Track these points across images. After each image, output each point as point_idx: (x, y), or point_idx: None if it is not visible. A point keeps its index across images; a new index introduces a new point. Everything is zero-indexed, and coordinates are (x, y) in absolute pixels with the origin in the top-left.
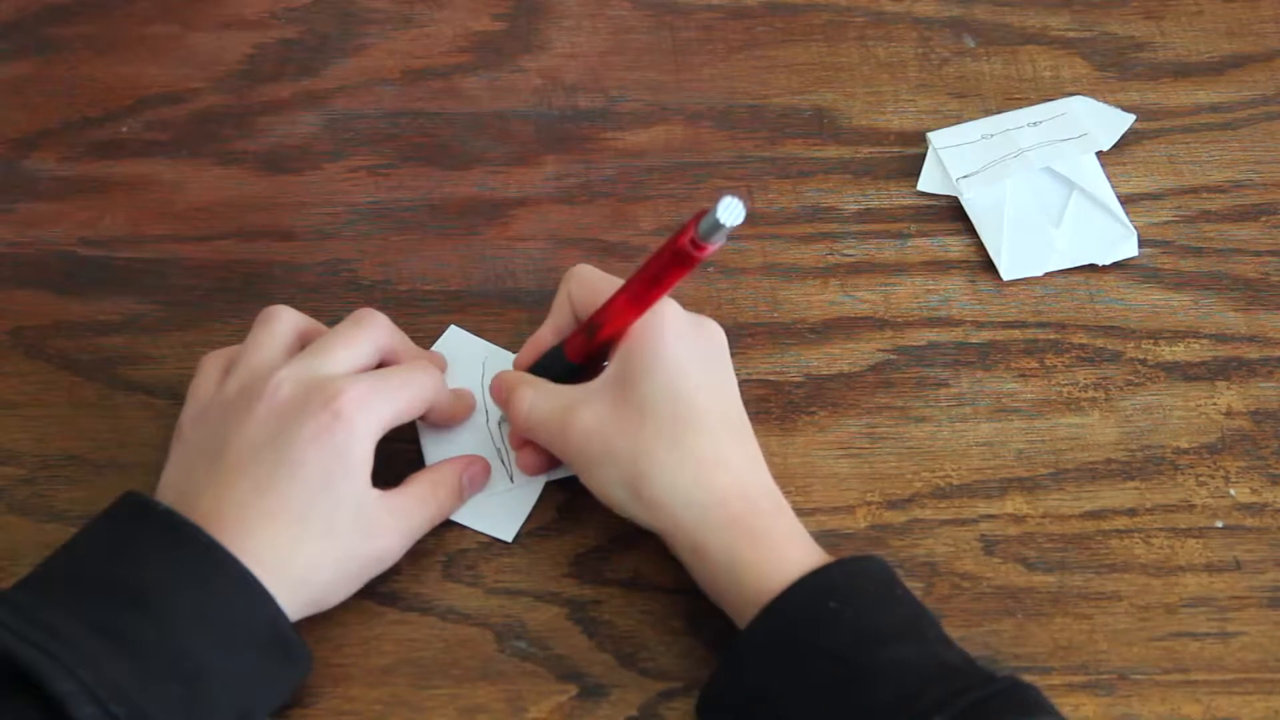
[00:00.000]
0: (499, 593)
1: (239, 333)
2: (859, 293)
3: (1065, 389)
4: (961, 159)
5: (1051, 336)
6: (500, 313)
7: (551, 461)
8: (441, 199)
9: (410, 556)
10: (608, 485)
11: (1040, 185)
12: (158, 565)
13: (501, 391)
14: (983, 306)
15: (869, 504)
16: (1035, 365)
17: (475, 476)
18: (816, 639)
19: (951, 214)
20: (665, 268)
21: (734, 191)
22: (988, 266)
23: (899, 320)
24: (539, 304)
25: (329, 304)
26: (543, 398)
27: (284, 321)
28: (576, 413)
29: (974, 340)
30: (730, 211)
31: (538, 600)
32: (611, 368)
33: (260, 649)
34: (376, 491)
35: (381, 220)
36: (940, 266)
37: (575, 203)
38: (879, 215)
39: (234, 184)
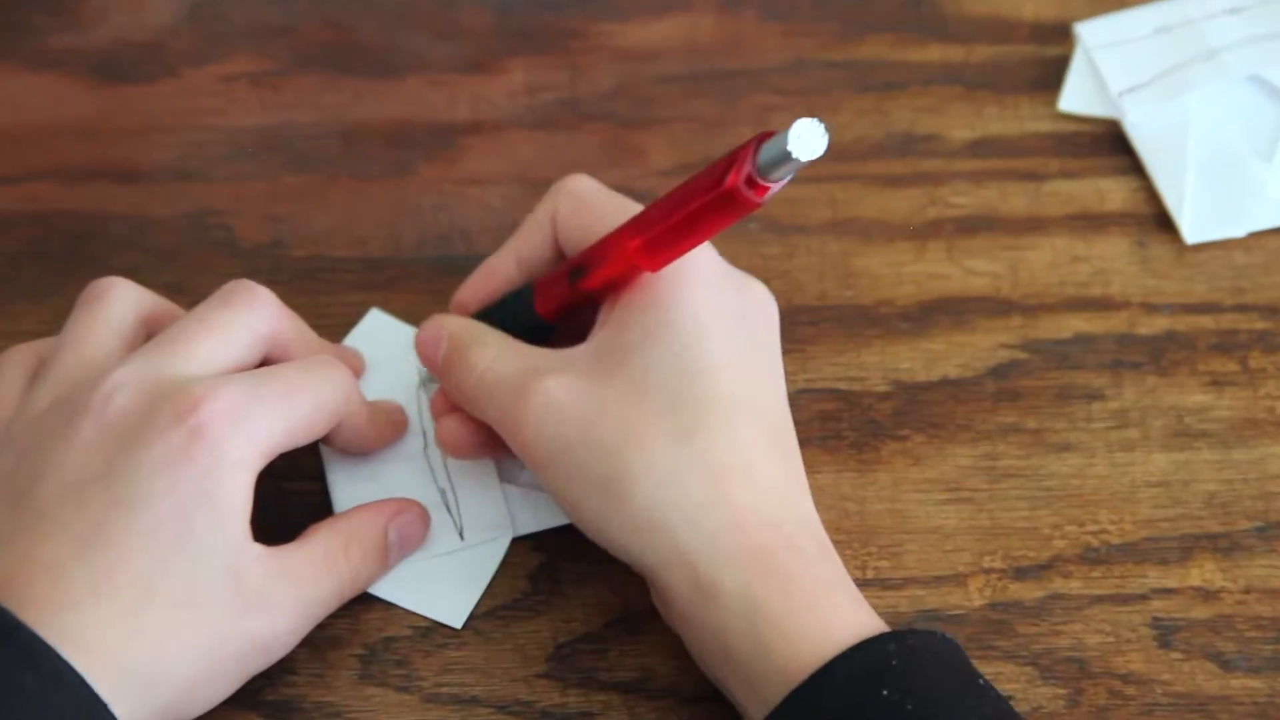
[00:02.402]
0: (442, 701)
1: (60, 317)
2: (973, 261)
3: (1279, 404)
4: (1126, 64)
5: (1259, 326)
6: (443, 290)
7: (485, 444)
8: (359, 123)
9: (312, 647)
10: (575, 488)
11: (1244, 103)
12: None
13: (436, 342)
14: (1156, 282)
15: (987, 572)
16: (1235, 369)
17: (408, 530)
18: None
19: (1110, 146)
20: (702, 211)
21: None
22: (1163, 223)
23: (1032, 302)
24: None
25: (192, 277)
26: (503, 355)
27: (120, 300)
28: (542, 379)
29: (1143, 332)
30: (806, 139)
31: (499, 713)
32: (601, 330)
33: None
34: (260, 548)
35: (271, 154)
36: (1093, 223)
37: (555, 128)
38: (1003, 147)
39: (52, 99)
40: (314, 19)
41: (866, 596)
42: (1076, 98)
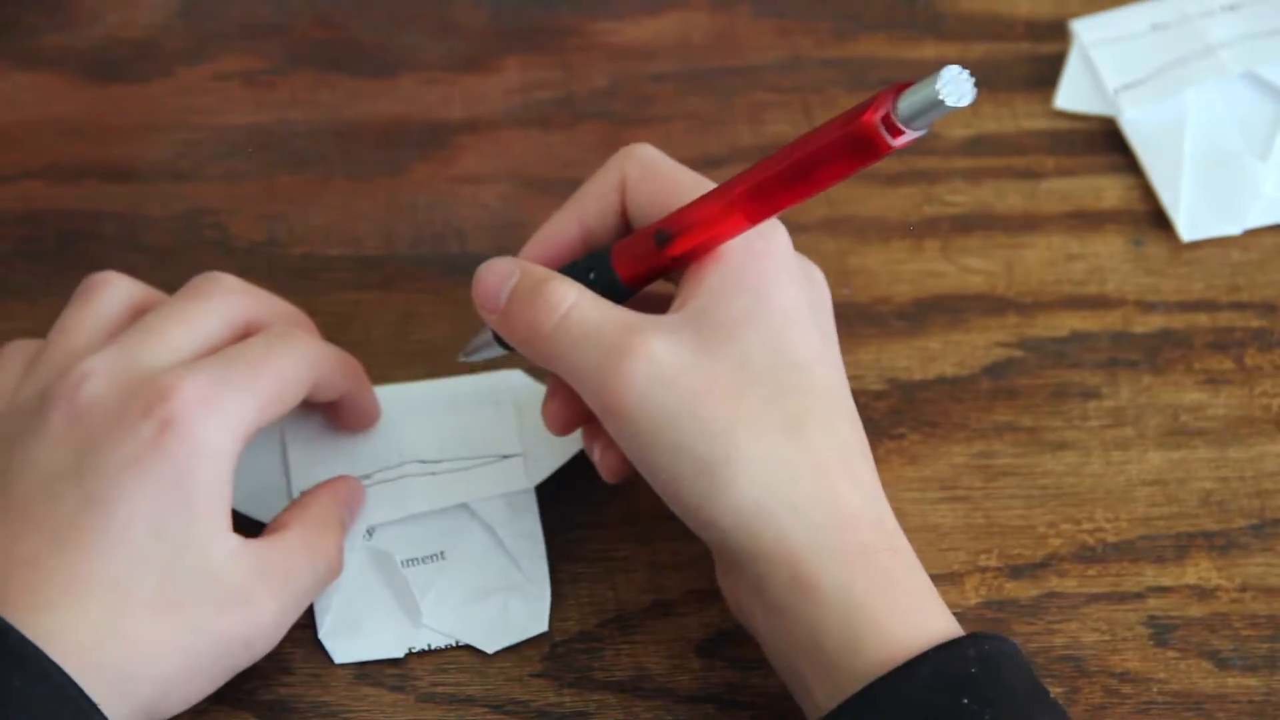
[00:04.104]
0: (438, 701)
1: (53, 317)
2: (969, 259)
3: (1275, 401)
4: (1122, 61)
5: (1255, 324)
6: (439, 289)
7: (588, 417)
8: (353, 121)
9: (308, 647)
10: (674, 464)
11: (1240, 100)
12: None
13: (504, 276)
14: (1152, 280)
15: (983, 570)
16: (1231, 366)
17: (352, 501)
18: None
19: (1106, 143)
20: (826, 155)
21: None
22: (1159, 220)
23: (1027, 300)
24: None
25: (186, 276)
26: (593, 301)
27: (111, 293)
28: (649, 339)
29: (1139, 330)
30: (956, 86)
31: (494, 713)
32: (690, 300)
33: None
34: (237, 541)
35: (264, 153)
36: (1089, 220)
37: (550, 127)
38: (998, 145)
39: (44, 98)
40: (307, 17)
41: None
42: (1072, 95)
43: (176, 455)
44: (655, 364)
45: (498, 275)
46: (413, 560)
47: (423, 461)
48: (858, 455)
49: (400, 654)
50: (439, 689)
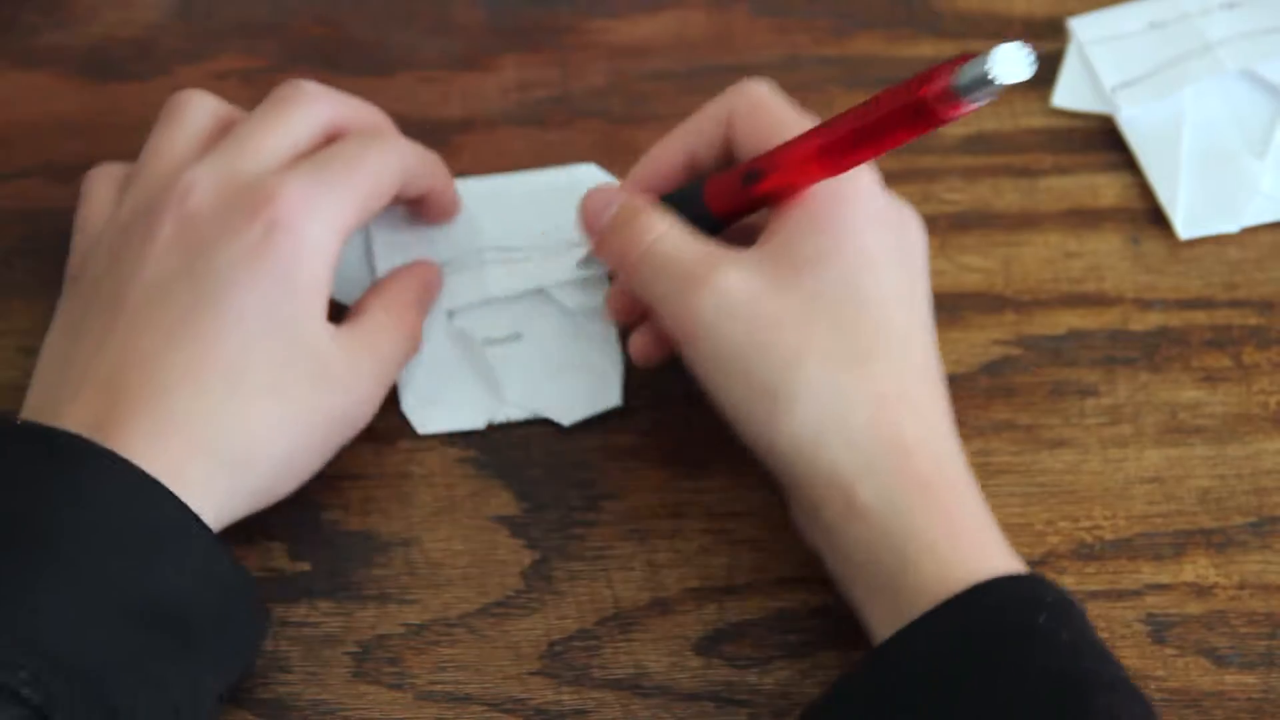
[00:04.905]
0: (436, 699)
1: (51, 315)
2: (967, 257)
3: (1273, 399)
4: (1119, 59)
5: (1253, 322)
6: None
7: (671, 346)
8: None
9: (306, 645)
10: (739, 390)
11: (1237, 98)
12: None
13: (605, 206)
14: (1150, 278)
15: None
16: (1228, 364)
17: (429, 282)
18: (1027, 655)
19: (1104, 141)
20: (887, 122)
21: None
22: (1157, 218)
23: (1025, 298)
24: None
25: None
26: (678, 232)
27: (197, 110)
28: (722, 271)
29: (1136, 328)
30: (1010, 63)
31: (493, 711)
32: (773, 238)
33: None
34: (333, 327)
35: None
36: (1087, 218)
37: (547, 125)
38: (996, 143)
39: (42, 97)
40: (305, 15)
41: None
42: (1070, 93)
43: (283, 252)
44: (726, 294)
45: (599, 203)
46: (491, 340)
47: (500, 249)
48: (925, 393)
49: (481, 425)
50: (437, 687)
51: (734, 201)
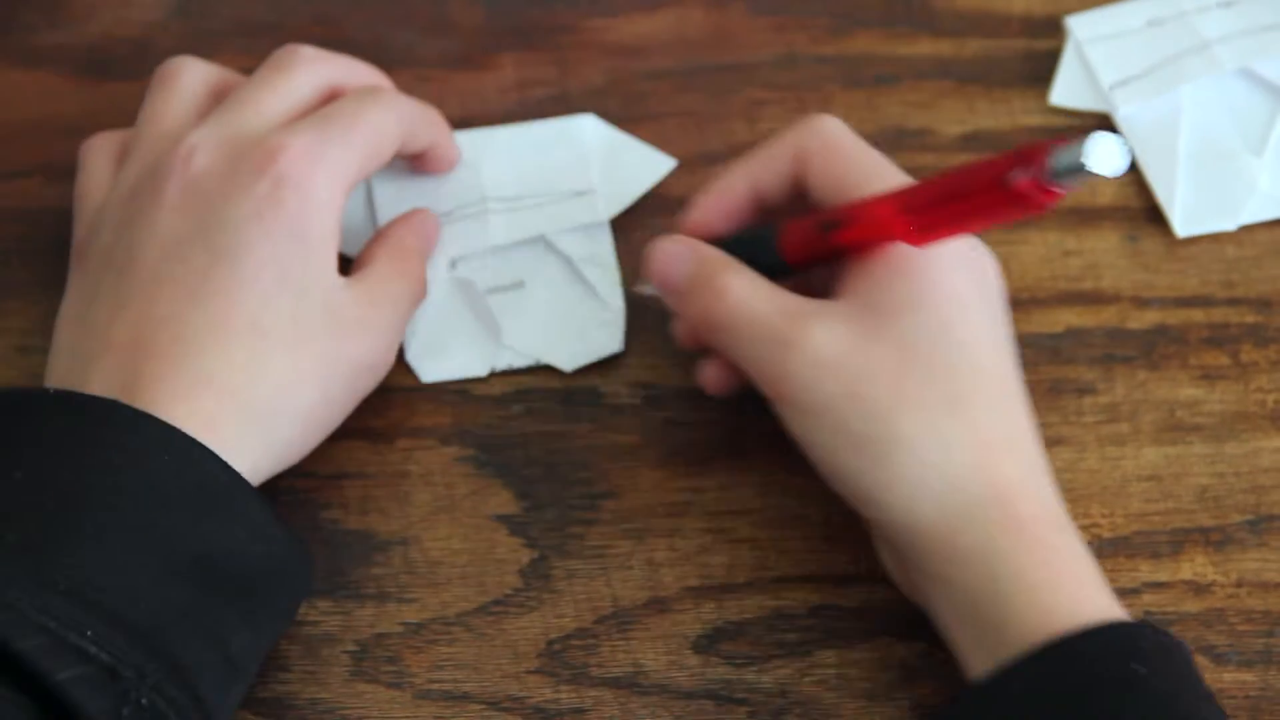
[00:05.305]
0: (434, 698)
1: (51, 315)
2: None
3: (1270, 397)
4: (1116, 57)
5: (1250, 320)
6: None
7: (743, 380)
8: None
9: (304, 644)
10: (834, 442)
11: (1235, 96)
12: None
13: (681, 260)
14: (1147, 276)
15: None
16: (1226, 362)
17: (426, 229)
18: (1120, 707)
19: None
20: (981, 205)
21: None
22: (1154, 216)
23: (1023, 296)
24: None
25: None
26: (759, 292)
27: (189, 75)
28: (809, 328)
29: (1134, 326)
30: (1104, 156)
31: (491, 710)
32: (853, 285)
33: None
34: (344, 279)
35: None
36: (1084, 216)
37: None
38: (994, 141)
39: (40, 96)
40: (303, 15)
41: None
42: (1067, 91)
43: (291, 207)
44: (817, 351)
45: (671, 256)
46: (495, 289)
47: (502, 199)
48: (1022, 435)
49: (484, 373)
50: (435, 685)
51: (811, 252)
